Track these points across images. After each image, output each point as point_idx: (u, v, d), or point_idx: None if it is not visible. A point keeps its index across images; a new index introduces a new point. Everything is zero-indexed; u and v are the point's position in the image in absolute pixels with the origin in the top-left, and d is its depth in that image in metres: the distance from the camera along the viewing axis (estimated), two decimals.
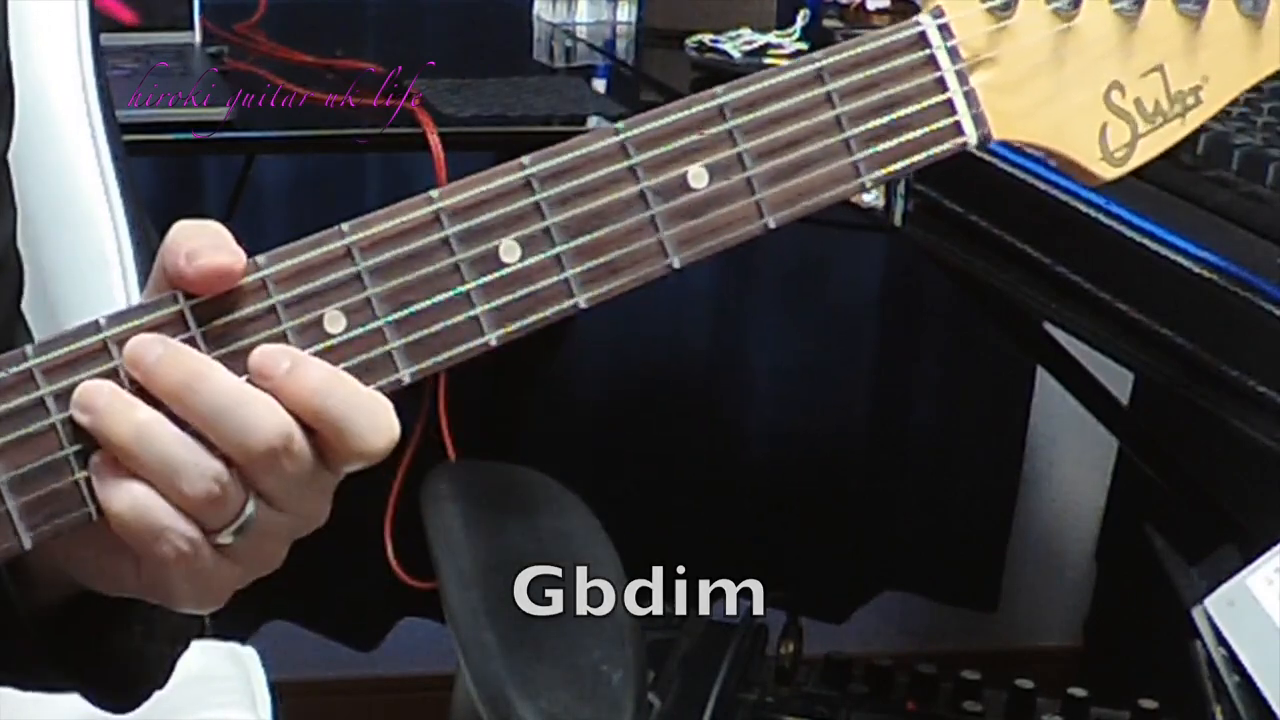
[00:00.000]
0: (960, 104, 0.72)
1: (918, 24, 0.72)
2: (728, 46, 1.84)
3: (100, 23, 1.19)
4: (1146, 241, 1.09)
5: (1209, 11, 0.75)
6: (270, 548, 0.67)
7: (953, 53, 0.72)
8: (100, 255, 1.17)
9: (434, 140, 1.60)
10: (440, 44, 2.09)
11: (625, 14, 2.12)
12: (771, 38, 1.85)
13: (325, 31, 1.97)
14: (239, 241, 0.65)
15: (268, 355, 0.63)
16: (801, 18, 1.85)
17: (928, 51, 0.71)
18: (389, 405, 0.64)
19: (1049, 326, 1.65)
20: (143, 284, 1.18)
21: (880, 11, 1.97)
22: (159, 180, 2.03)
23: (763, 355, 2.33)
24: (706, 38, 1.86)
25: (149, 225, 1.22)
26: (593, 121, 1.72)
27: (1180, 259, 1.06)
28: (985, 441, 2.42)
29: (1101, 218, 1.13)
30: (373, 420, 0.64)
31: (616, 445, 2.33)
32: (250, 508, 0.64)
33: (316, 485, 0.65)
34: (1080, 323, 1.17)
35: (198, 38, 1.88)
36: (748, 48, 1.84)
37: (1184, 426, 1.61)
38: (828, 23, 1.89)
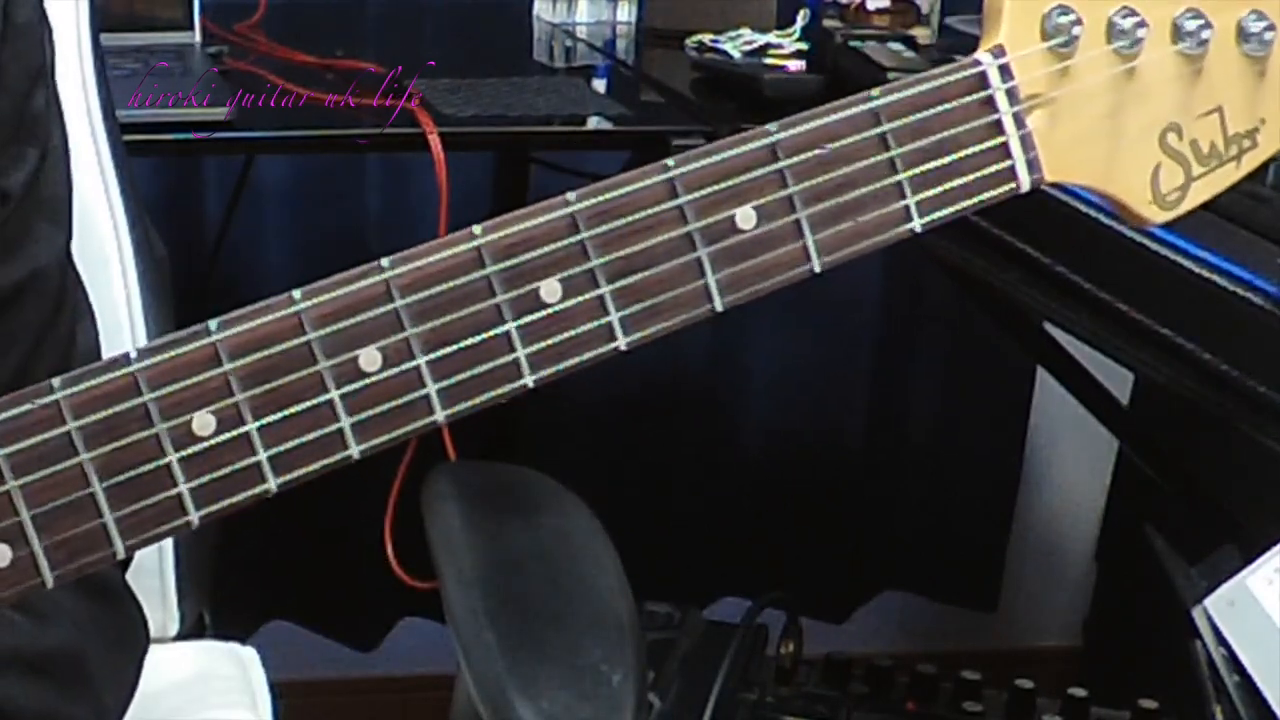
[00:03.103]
0: (1016, 148, 0.70)
1: (978, 64, 0.70)
2: (728, 46, 1.84)
3: (100, 23, 1.19)
4: (1147, 241, 1.09)
5: (1273, 53, 0.73)
6: None
7: (1011, 94, 0.70)
8: (100, 255, 1.17)
9: (434, 140, 1.60)
10: (440, 44, 2.09)
11: (625, 14, 2.12)
12: (771, 38, 1.85)
13: (325, 31, 1.97)
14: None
15: None
16: (801, 18, 1.85)
17: (987, 93, 0.69)
18: None
19: (1049, 326, 1.66)
20: (142, 284, 1.18)
21: (880, 11, 1.97)
22: (159, 180, 2.03)
23: (762, 355, 2.33)
24: (706, 38, 1.86)
25: (149, 225, 1.22)
26: (593, 121, 1.72)
27: (1180, 259, 1.06)
28: (985, 441, 2.42)
29: (1101, 218, 1.13)
30: None
31: (616, 445, 2.33)
32: None
33: None
34: (1080, 323, 1.17)
35: (198, 38, 1.88)
36: (748, 48, 1.84)
37: (1184, 426, 1.61)
38: (828, 23, 1.89)
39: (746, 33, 1.86)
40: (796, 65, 1.78)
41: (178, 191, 2.07)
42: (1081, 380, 1.72)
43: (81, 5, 1.16)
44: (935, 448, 2.41)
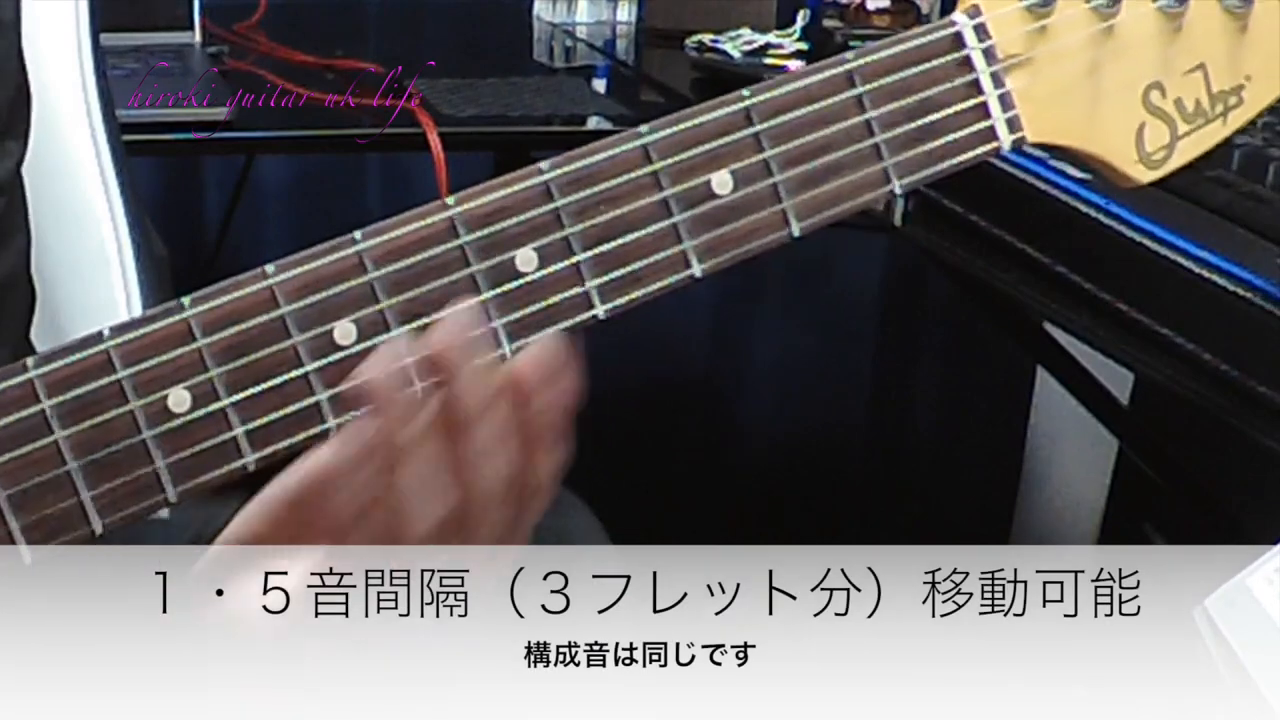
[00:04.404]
0: (995, 108, 0.70)
1: (953, 23, 0.69)
2: (728, 46, 1.84)
3: (100, 23, 1.19)
4: (1146, 241, 1.09)
5: (1255, 9, 0.72)
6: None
7: (988, 54, 0.69)
8: (100, 255, 1.17)
9: (434, 140, 1.60)
10: (440, 44, 2.09)
11: (625, 14, 2.12)
12: (771, 38, 1.85)
13: (325, 31, 1.97)
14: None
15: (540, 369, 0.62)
16: (801, 18, 1.85)
17: (963, 53, 0.69)
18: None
19: (1049, 326, 1.66)
20: (142, 284, 1.18)
21: (880, 12, 1.97)
22: (159, 180, 2.03)
23: (763, 354, 2.33)
24: (706, 38, 1.86)
25: (149, 225, 1.21)
26: (593, 122, 1.72)
27: (1180, 259, 1.06)
28: (985, 441, 2.42)
29: (1101, 218, 1.13)
30: (557, 455, 0.64)
31: (616, 444, 2.33)
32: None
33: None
34: (1080, 323, 1.17)
35: (198, 38, 1.88)
36: (748, 48, 1.84)
37: (1184, 426, 1.61)
38: (828, 23, 1.89)
39: (746, 33, 1.86)
40: (796, 65, 1.78)
41: (178, 191, 2.07)
42: (1081, 380, 1.72)
43: (81, 5, 1.16)
44: (935, 448, 2.41)
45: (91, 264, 1.14)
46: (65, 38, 1.15)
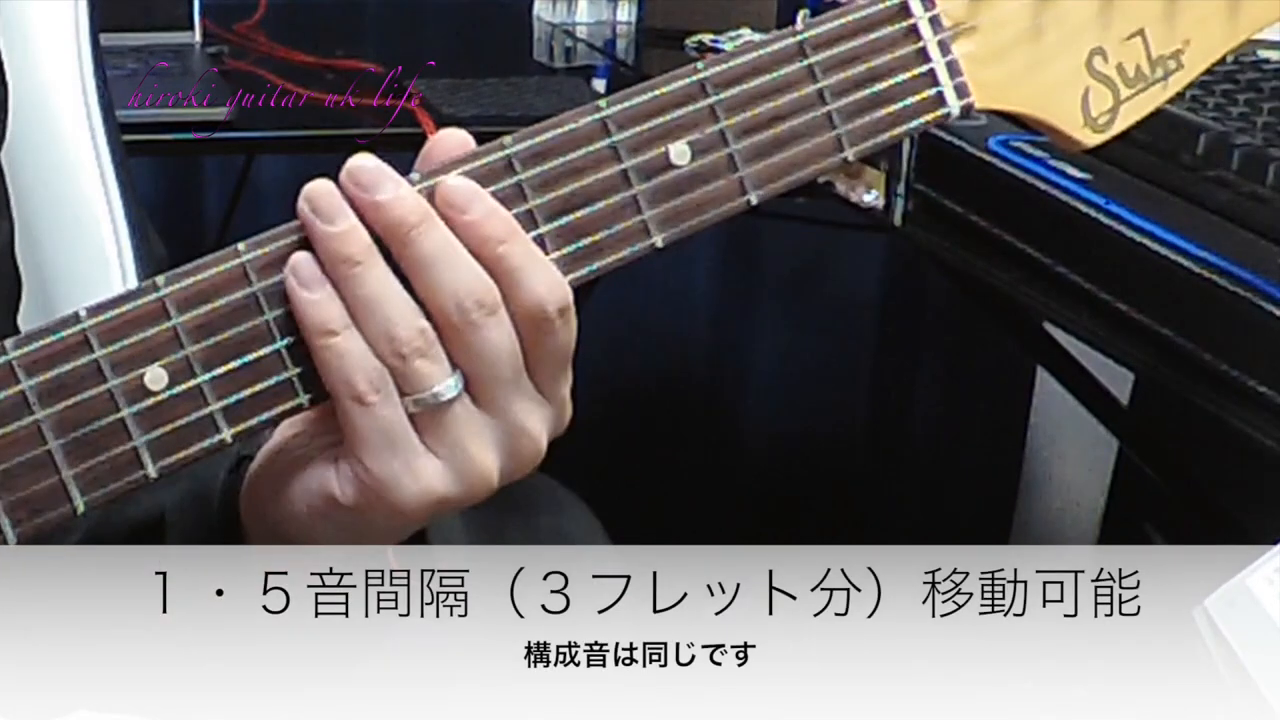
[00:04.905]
0: (943, 75, 0.71)
1: None
2: (727, 47, 1.84)
3: (100, 23, 1.19)
4: (1146, 241, 1.09)
5: None
6: (475, 451, 0.66)
7: (934, 22, 0.71)
8: (100, 255, 1.17)
9: None
10: (440, 44, 2.09)
11: (625, 14, 2.12)
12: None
13: (325, 31, 1.97)
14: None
15: (460, 192, 0.65)
16: (801, 18, 1.85)
17: (910, 22, 0.71)
18: (559, 272, 0.66)
19: (1049, 326, 1.66)
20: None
21: None
22: (159, 180, 2.03)
23: (763, 355, 2.33)
24: (706, 38, 1.86)
25: (149, 225, 1.22)
26: None
27: (1180, 259, 1.06)
28: (985, 441, 2.42)
29: (1101, 218, 1.13)
30: (546, 275, 0.65)
31: (617, 445, 2.33)
32: (451, 385, 0.64)
33: (518, 382, 0.65)
34: (1080, 323, 1.17)
35: (198, 38, 1.88)
36: None
37: (1184, 426, 1.61)
38: None
39: (746, 33, 1.86)
40: None
41: (178, 191, 2.07)
42: (1081, 380, 1.72)
43: (81, 5, 1.16)
44: (935, 448, 2.41)
45: (91, 264, 1.14)
46: (65, 38, 1.15)
